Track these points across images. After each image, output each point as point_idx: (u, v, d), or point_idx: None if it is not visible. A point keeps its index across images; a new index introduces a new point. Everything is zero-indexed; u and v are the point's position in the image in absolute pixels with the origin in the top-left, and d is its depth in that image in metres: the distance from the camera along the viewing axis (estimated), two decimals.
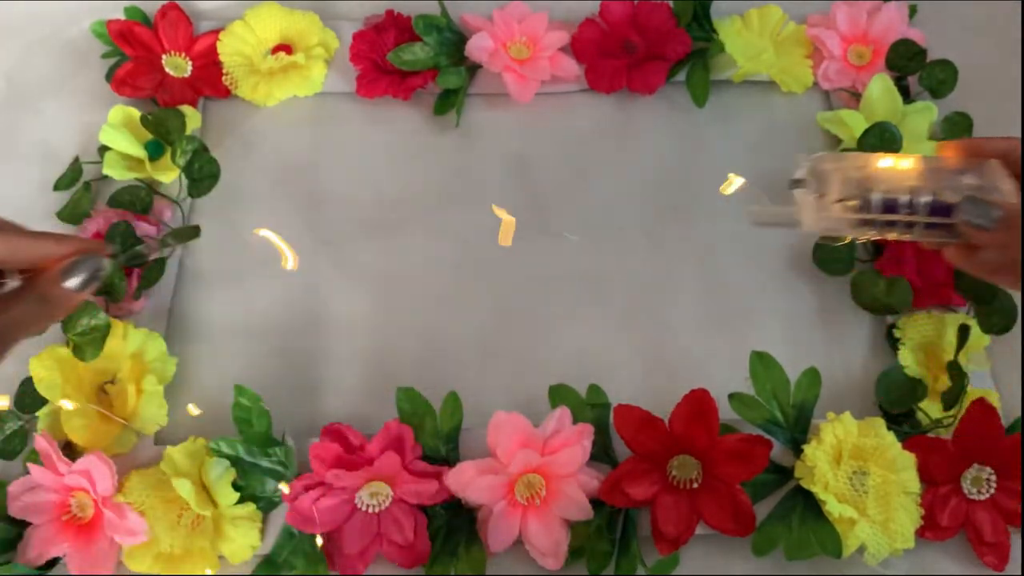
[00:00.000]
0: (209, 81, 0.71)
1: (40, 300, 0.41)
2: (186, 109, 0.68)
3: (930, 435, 0.57)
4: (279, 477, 0.55)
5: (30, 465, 0.54)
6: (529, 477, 0.54)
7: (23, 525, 0.54)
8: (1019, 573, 0.55)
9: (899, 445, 0.54)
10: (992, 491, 0.55)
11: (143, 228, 0.63)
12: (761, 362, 0.57)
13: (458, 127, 0.71)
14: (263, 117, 0.71)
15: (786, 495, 0.55)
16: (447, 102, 0.71)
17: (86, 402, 0.56)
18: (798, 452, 0.55)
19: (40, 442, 0.54)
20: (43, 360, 0.56)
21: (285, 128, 0.71)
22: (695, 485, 0.54)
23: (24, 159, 0.69)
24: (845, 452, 0.54)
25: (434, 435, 0.57)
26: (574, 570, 0.54)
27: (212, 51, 0.71)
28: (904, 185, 0.46)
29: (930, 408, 0.58)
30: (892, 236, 0.46)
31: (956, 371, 0.57)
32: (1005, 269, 0.44)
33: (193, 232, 0.63)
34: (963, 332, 0.58)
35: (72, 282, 0.41)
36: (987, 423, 0.55)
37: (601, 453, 0.56)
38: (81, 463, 0.53)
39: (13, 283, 0.41)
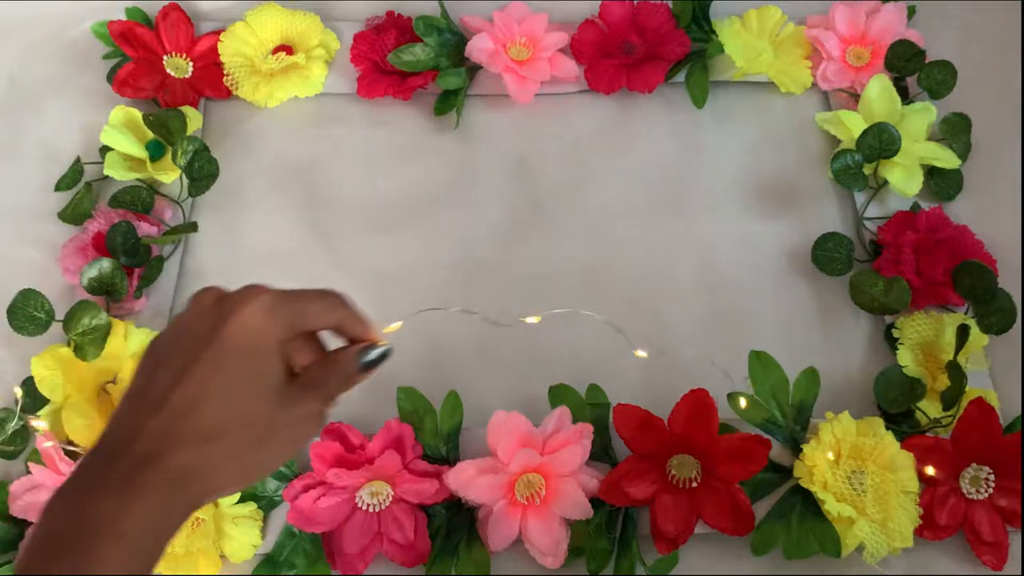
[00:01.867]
0: (210, 82, 0.71)
1: (343, 378, 0.41)
2: (187, 110, 0.68)
3: (929, 435, 0.57)
4: (280, 476, 0.55)
5: (31, 465, 0.54)
6: (529, 476, 0.54)
7: (24, 525, 0.54)
8: (1018, 573, 0.55)
9: (898, 444, 0.54)
10: (990, 491, 0.55)
11: (144, 228, 0.63)
12: (760, 362, 0.57)
13: (458, 128, 0.71)
14: (264, 118, 0.72)
15: (785, 494, 0.55)
16: (447, 103, 0.71)
17: (87, 402, 0.56)
18: (797, 451, 0.55)
19: (42, 442, 0.54)
20: (44, 360, 0.56)
21: (286, 129, 0.71)
22: (694, 484, 0.54)
23: (25, 159, 0.69)
24: (844, 451, 0.54)
25: (434, 434, 0.57)
26: (574, 569, 0.54)
27: (213, 52, 0.71)
28: None
29: (929, 408, 0.58)
30: None
31: (955, 371, 0.57)
32: None
33: (190, 227, 0.63)
34: (962, 332, 0.58)
35: (368, 365, 0.42)
36: (985, 423, 0.55)
37: (601, 452, 0.56)
38: None
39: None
